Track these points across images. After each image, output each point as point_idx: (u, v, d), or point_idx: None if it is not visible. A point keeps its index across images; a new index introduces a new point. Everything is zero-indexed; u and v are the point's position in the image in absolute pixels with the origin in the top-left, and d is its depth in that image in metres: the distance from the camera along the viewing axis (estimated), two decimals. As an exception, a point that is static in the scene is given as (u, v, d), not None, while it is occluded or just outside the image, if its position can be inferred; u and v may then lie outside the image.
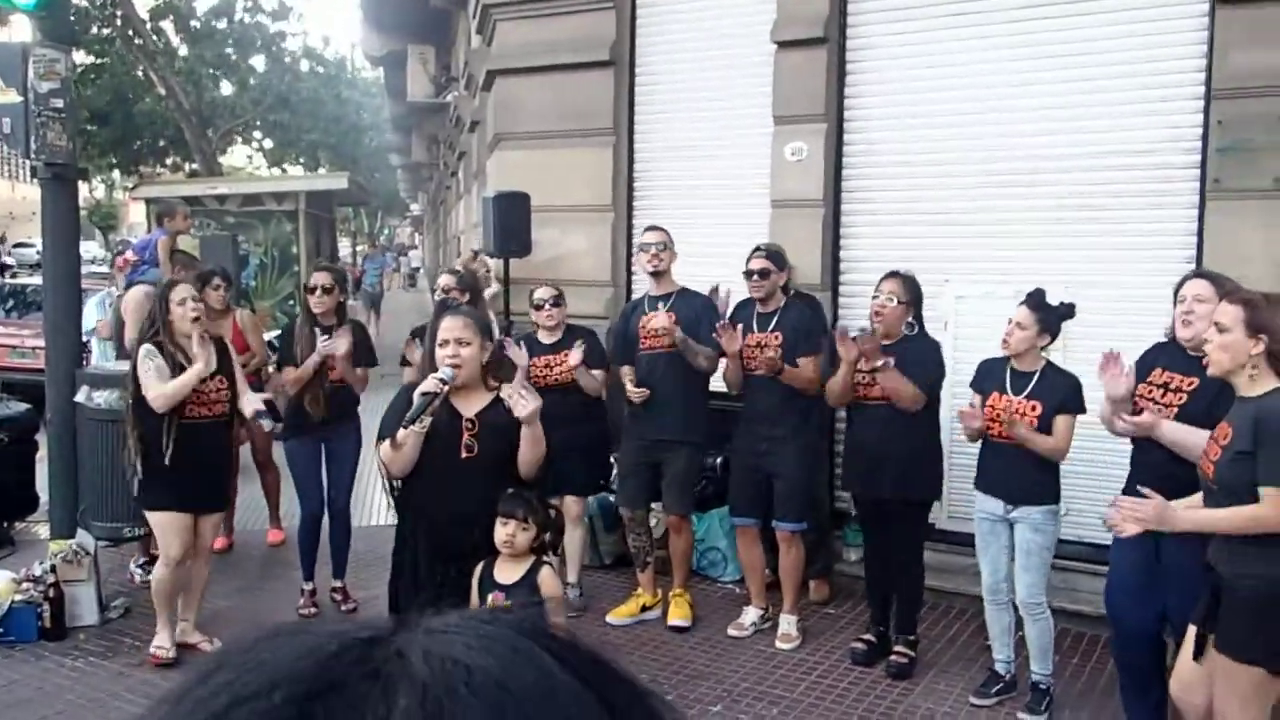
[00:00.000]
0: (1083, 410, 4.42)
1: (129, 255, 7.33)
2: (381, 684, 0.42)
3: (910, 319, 4.94)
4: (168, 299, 4.96)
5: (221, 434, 5.10)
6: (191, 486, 4.93)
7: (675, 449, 5.42)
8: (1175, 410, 3.91)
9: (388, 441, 3.80)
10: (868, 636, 5.21)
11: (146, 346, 4.93)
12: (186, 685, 0.46)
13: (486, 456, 3.86)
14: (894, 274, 5.01)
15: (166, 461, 4.83)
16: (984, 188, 5.94)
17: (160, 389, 4.81)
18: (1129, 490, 4.09)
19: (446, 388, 3.75)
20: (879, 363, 4.72)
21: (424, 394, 3.73)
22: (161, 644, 5.03)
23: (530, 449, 3.87)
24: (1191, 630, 3.52)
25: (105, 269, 12.61)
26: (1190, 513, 3.43)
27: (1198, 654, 3.45)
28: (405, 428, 3.72)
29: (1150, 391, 4.01)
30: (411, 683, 0.42)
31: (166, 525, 4.96)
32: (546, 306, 5.59)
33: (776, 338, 5.23)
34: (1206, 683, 3.47)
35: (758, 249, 5.41)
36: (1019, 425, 4.36)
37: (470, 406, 3.91)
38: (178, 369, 4.86)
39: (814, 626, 5.57)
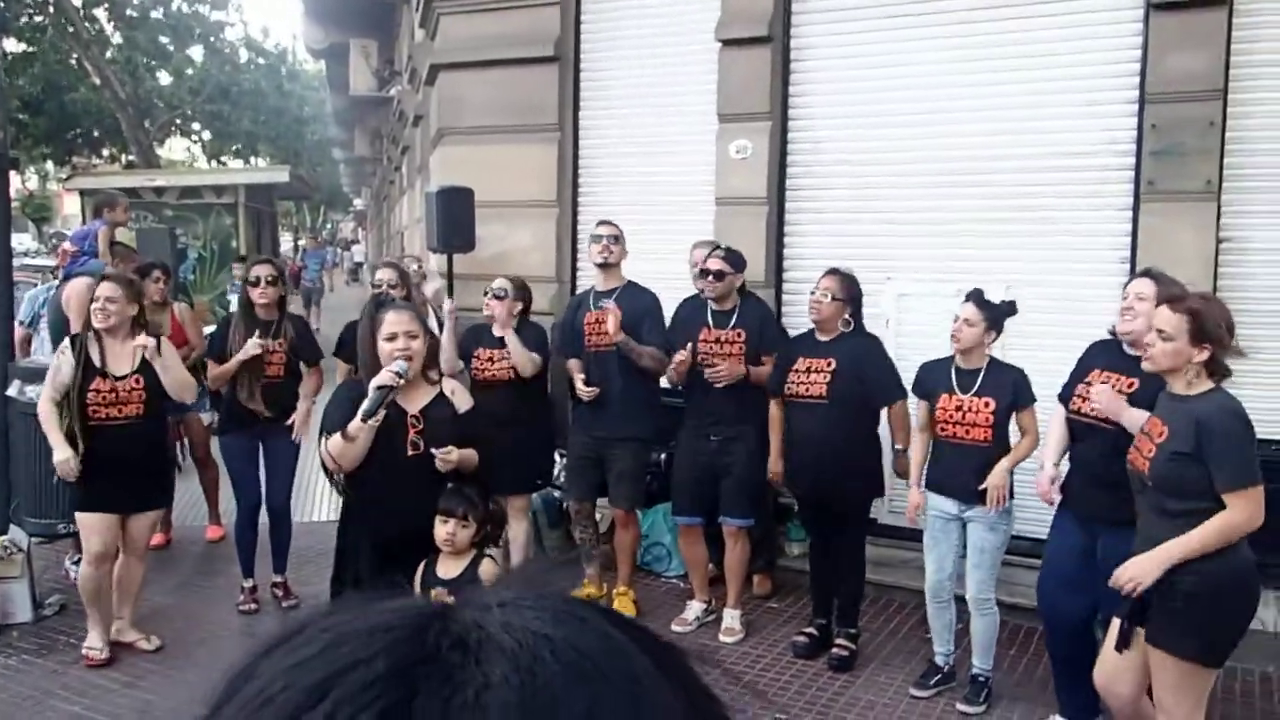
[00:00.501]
0: (1034, 400, 4.50)
1: (67, 246, 7.18)
2: (472, 654, 0.43)
3: (847, 316, 4.99)
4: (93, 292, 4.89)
5: (140, 433, 4.86)
6: (106, 488, 4.79)
7: (621, 445, 5.43)
8: None
9: (337, 435, 3.77)
10: (810, 630, 5.26)
11: (65, 341, 4.88)
12: (256, 658, 0.46)
13: (431, 452, 3.85)
14: (833, 271, 5.05)
15: (77, 462, 4.75)
16: (926, 187, 6.03)
17: (43, 403, 4.79)
18: (1070, 484, 4.19)
19: (402, 381, 3.74)
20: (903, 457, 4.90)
21: (380, 388, 3.70)
22: (93, 644, 4.93)
23: (462, 467, 3.93)
24: (1115, 623, 3.60)
25: (44, 261, 12.21)
26: (1166, 550, 3.36)
27: (1120, 646, 3.53)
28: (364, 421, 3.69)
29: (1089, 391, 4.09)
30: (501, 652, 0.43)
31: (86, 524, 4.89)
32: (489, 297, 5.57)
33: (739, 334, 5.25)
34: (1130, 674, 3.55)
35: (716, 248, 5.40)
36: (1003, 472, 4.41)
37: (414, 403, 3.89)
38: (89, 365, 4.77)
39: (757, 620, 5.61)
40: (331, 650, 0.44)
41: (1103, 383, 4.03)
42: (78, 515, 4.93)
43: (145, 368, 4.88)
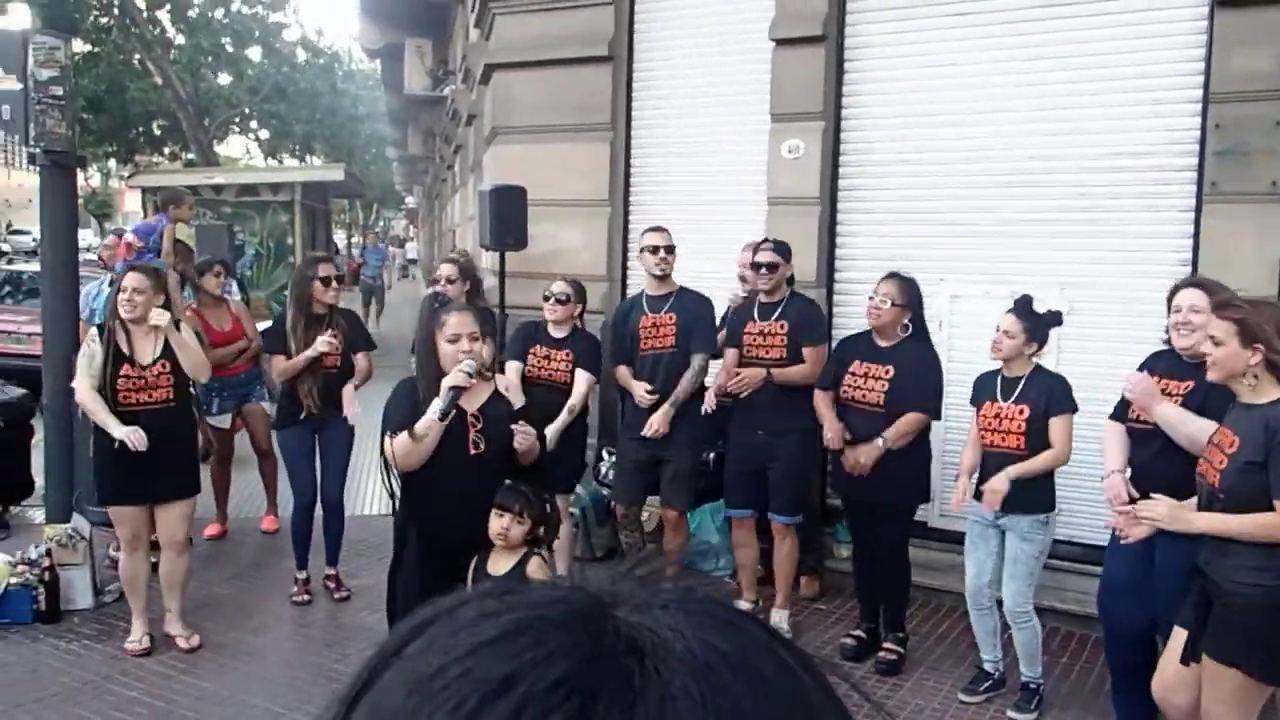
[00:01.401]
0: (1074, 409, 4.42)
1: (131, 239, 7.29)
2: (649, 659, 0.42)
3: (906, 321, 4.95)
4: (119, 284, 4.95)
5: (167, 420, 4.88)
6: (128, 480, 4.84)
7: (677, 446, 5.43)
8: None
9: (404, 434, 3.79)
10: (858, 632, 5.23)
11: (92, 330, 4.97)
12: (409, 634, 0.46)
13: (492, 450, 3.88)
14: (892, 275, 5.00)
15: (115, 448, 4.79)
16: (981, 188, 5.96)
17: (82, 390, 4.83)
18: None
19: (473, 381, 3.80)
20: (880, 448, 4.78)
21: (453, 388, 3.76)
22: (132, 637, 5.02)
23: (524, 457, 3.99)
24: (1179, 633, 3.54)
25: (92, 257, 12.33)
26: (1206, 516, 3.39)
27: (1187, 658, 3.46)
28: (440, 420, 3.75)
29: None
30: (679, 661, 0.42)
31: (115, 515, 5.00)
32: (551, 301, 5.58)
33: (782, 326, 5.24)
34: (1190, 684, 3.49)
35: (765, 241, 5.39)
36: (1005, 478, 4.34)
37: (473, 401, 3.93)
38: (118, 353, 4.84)
39: (804, 622, 5.60)
40: (510, 641, 0.43)
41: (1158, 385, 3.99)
42: (109, 507, 5.02)
43: (168, 353, 4.93)
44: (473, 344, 3.85)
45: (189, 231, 9.44)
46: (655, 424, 5.32)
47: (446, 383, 3.76)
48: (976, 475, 4.63)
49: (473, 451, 3.86)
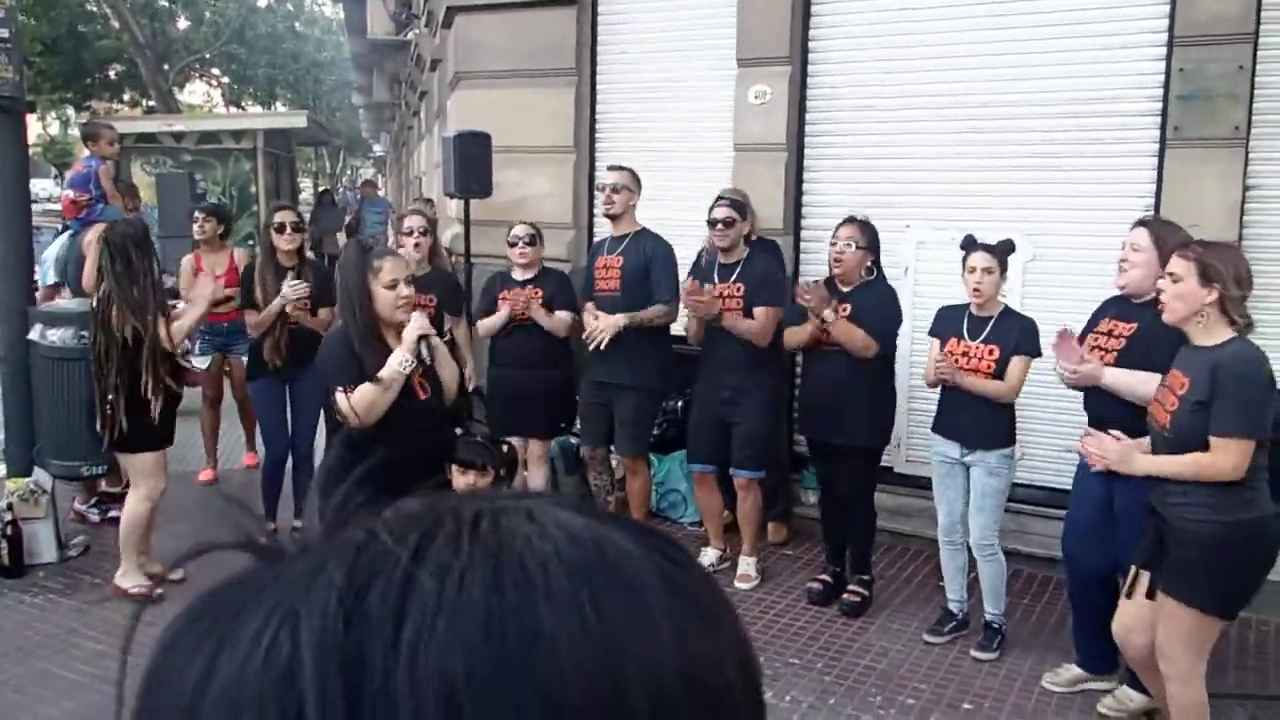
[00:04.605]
0: (1038, 353, 4.46)
1: (71, 195, 7.11)
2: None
3: (869, 264, 4.96)
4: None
5: None
6: (173, 418, 5.01)
7: (624, 393, 5.41)
8: (1115, 354, 4.01)
9: (367, 385, 3.74)
10: (824, 576, 5.29)
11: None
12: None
13: (438, 394, 3.91)
14: (851, 219, 5.01)
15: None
16: (947, 134, 5.94)
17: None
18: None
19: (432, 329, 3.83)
20: (828, 313, 4.74)
21: (422, 337, 3.78)
22: (140, 584, 4.97)
23: (443, 369, 4.00)
24: (1134, 572, 3.61)
25: (54, 207, 12.03)
26: (1147, 458, 3.50)
27: (1152, 593, 3.52)
28: (405, 370, 3.75)
29: (1097, 340, 4.11)
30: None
31: (155, 464, 5.00)
32: (520, 245, 5.55)
33: (739, 289, 5.20)
34: (1148, 624, 3.56)
35: (721, 197, 5.35)
36: (962, 377, 4.44)
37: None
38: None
39: (772, 567, 5.65)
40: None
41: (1094, 346, 4.05)
42: (148, 458, 4.98)
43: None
44: (408, 288, 3.85)
45: (148, 180, 9.27)
46: (601, 324, 5.25)
47: (412, 333, 3.75)
48: (934, 419, 4.69)
49: (421, 397, 3.86)
